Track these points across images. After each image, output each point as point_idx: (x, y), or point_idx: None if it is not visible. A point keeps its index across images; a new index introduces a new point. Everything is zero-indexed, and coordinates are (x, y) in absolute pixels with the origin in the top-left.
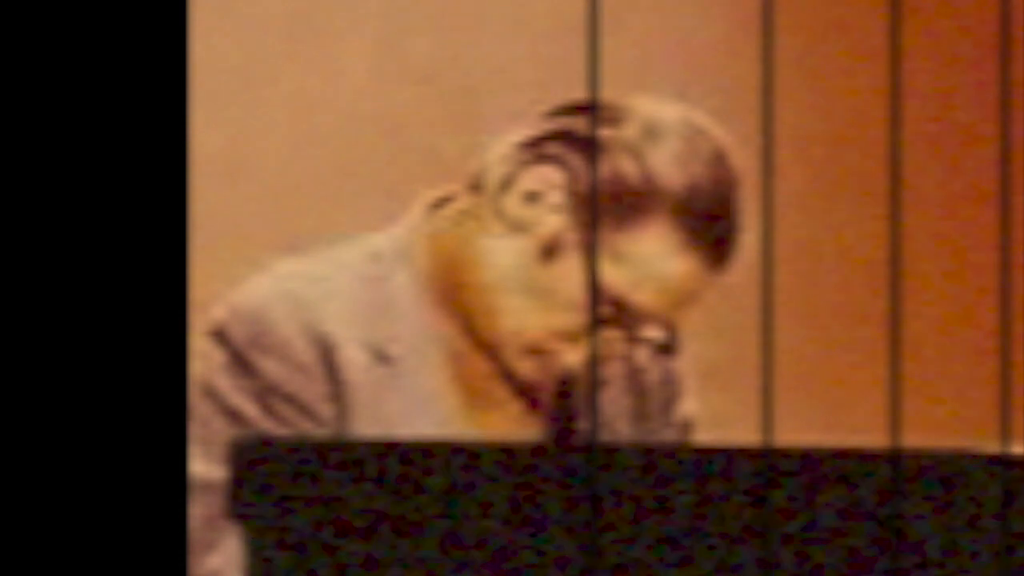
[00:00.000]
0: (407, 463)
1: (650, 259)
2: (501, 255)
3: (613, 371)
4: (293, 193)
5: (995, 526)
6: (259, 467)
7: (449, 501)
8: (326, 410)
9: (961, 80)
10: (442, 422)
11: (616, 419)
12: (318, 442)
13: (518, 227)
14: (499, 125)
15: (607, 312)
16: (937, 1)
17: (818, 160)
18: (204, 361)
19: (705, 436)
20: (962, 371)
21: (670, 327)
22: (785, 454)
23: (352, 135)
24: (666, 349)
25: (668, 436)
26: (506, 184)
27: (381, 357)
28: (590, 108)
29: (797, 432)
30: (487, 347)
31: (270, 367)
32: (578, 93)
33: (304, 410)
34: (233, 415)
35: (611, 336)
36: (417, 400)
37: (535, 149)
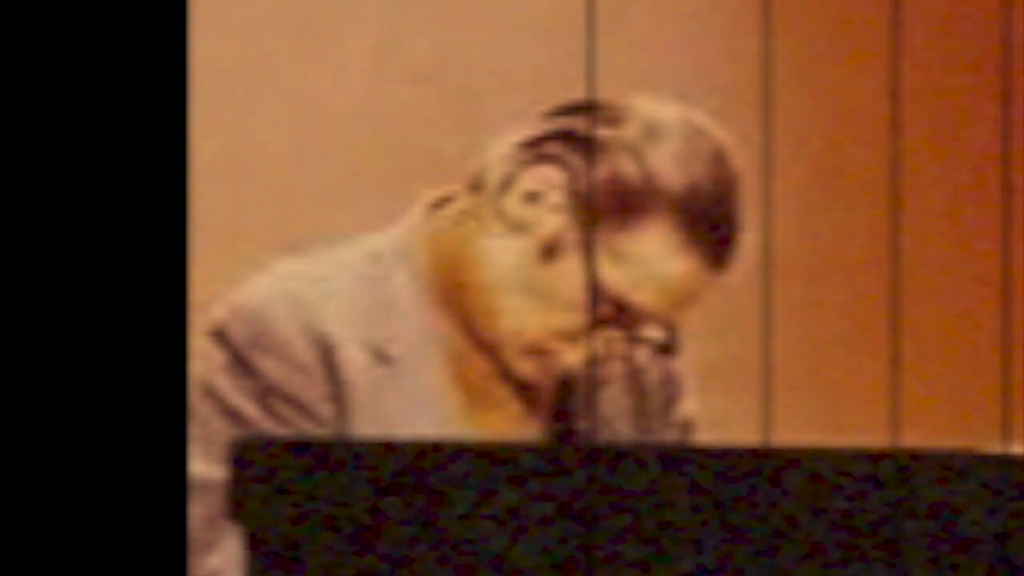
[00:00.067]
0: (407, 463)
1: (650, 259)
2: (501, 255)
3: (613, 371)
4: (293, 193)
5: (995, 526)
6: (259, 467)
7: (449, 501)
8: (326, 410)
9: (961, 80)
10: (442, 422)
11: (616, 419)
12: (318, 442)
13: (518, 227)
14: (499, 125)
15: (607, 312)
16: (937, 1)
17: (818, 160)
18: (204, 361)
19: (705, 436)
20: (962, 371)
21: (670, 327)
22: (785, 454)
23: (352, 135)
24: (666, 349)
25: (668, 436)
26: (506, 184)
27: (381, 357)
28: (590, 108)
29: (797, 432)
30: (487, 347)
31: (270, 367)
32: (578, 93)
33: (304, 410)
34: (233, 415)
35: (611, 336)
36: (417, 400)
37: (535, 149)
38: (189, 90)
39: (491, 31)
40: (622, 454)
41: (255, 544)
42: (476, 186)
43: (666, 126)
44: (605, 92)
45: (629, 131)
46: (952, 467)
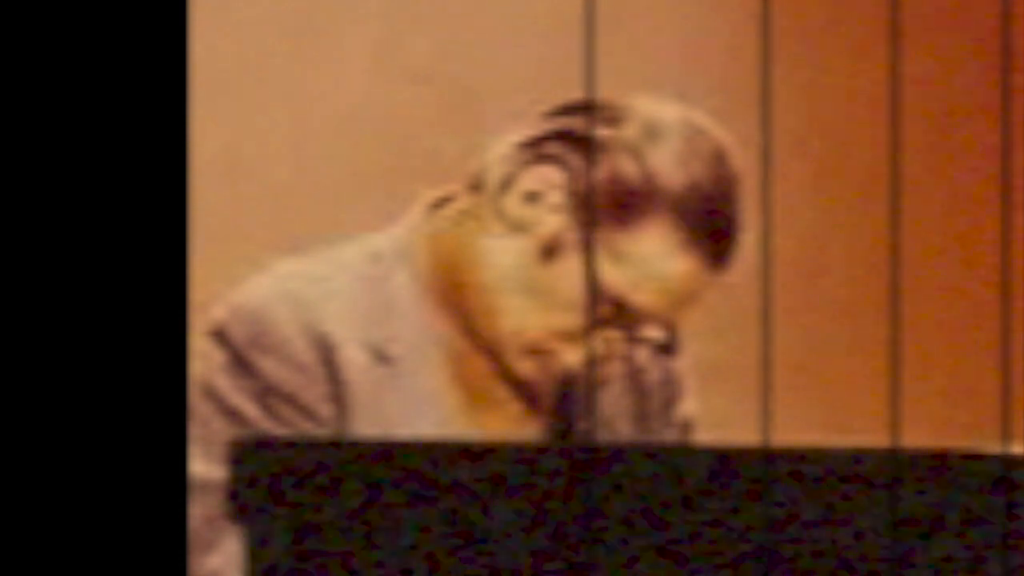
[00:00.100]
0: (407, 463)
1: (650, 259)
2: (501, 255)
3: (613, 371)
4: (293, 193)
5: (995, 526)
6: (259, 467)
7: (449, 501)
8: (326, 410)
9: (961, 80)
10: (442, 422)
11: (616, 419)
12: (318, 442)
13: (518, 227)
14: (499, 125)
15: (607, 312)
16: (937, 1)
17: (818, 159)
18: (204, 361)
19: (705, 436)
20: (962, 371)
21: (670, 327)
22: (785, 454)
23: (352, 135)
24: (666, 349)
25: (668, 436)
26: (506, 184)
27: (381, 357)
28: (588, 108)
29: (797, 432)
30: (487, 347)
31: (270, 367)
32: (578, 93)
33: (304, 410)
34: (233, 415)
35: (611, 336)
36: (417, 400)
37: (535, 149)
38: (189, 90)
39: (491, 31)
40: (622, 454)
41: (255, 544)
42: (476, 186)
43: (666, 126)
44: (605, 92)
45: (629, 131)
46: (952, 467)
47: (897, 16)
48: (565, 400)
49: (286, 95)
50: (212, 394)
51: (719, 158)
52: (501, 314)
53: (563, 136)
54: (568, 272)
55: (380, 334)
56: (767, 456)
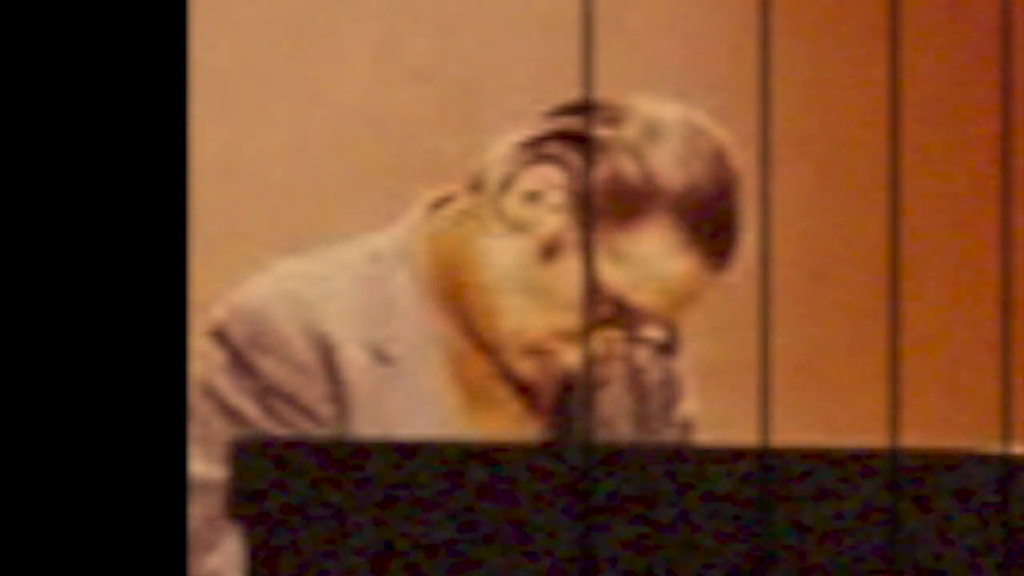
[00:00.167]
0: (407, 463)
1: (650, 259)
2: (501, 255)
3: (613, 371)
4: (293, 193)
5: (995, 526)
6: (259, 467)
7: (449, 501)
8: (326, 410)
9: (962, 80)
10: (442, 422)
11: (616, 419)
12: (318, 442)
13: (518, 227)
14: (499, 125)
15: (607, 312)
16: (937, 1)
17: (818, 159)
18: (204, 361)
19: (705, 436)
20: (962, 371)
21: (670, 327)
22: (784, 454)
23: (352, 135)
24: (666, 349)
25: (668, 436)
26: (506, 184)
27: (381, 357)
28: (587, 108)
29: (797, 432)
30: (487, 347)
31: (270, 367)
32: (578, 93)
33: (304, 410)
34: (233, 415)
35: (611, 336)
36: (417, 400)
37: (535, 149)
38: (189, 90)
39: (491, 31)
40: (622, 454)
41: (255, 544)
42: (476, 186)
43: (666, 126)
44: (605, 92)
45: (629, 131)
46: (952, 467)
47: (897, 16)
48: (565, 400)
49: (286, 95)
50: (212, 394)
51: (719, 158)
52: (501, 314)
53: (563, 136)
54: (568, 272)
55: (380, 334)
56: (767, 456)
